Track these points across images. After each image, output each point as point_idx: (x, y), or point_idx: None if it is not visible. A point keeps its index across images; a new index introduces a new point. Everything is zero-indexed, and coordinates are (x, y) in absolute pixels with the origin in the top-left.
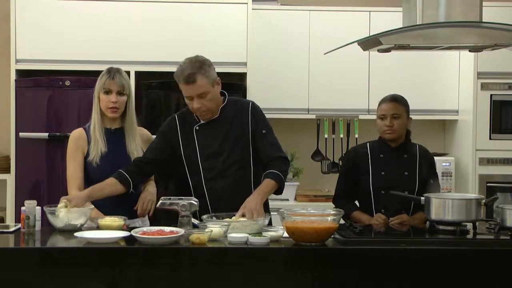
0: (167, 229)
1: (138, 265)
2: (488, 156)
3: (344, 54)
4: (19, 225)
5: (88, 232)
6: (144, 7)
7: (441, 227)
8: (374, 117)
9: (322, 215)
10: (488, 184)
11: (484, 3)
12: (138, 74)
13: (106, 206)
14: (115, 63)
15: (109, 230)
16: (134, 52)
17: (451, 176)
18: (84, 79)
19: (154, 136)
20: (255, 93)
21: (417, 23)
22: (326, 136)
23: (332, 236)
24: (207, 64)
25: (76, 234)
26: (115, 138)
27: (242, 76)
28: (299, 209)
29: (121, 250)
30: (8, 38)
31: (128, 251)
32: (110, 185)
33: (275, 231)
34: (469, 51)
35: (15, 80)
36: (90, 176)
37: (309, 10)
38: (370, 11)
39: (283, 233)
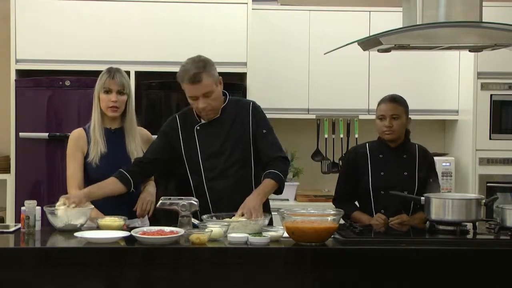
0: (167, 229)
1: (138, 265)
2: (488, 156)
3: (344, 54)
4: (19, 225)
5: (88, 232)
6: (144, 7)
7: (441, 227)
8: (374, 117)
9: (322, 215)
10: (488, 184)
11: (484, 3)
12: (138, 74)
13: (106, 206)
14: (115, 63)
15: (109, 230)
16: (134, 52)
17: (451, 176)
18: (84, 79)
19: (154, 136)
20: (255, 93)
21: (417, 23)
22: (326, 136)
23: (332, 236)
24: (211, 63)
25: (76, 234)
26: (115, 138)
27: (242, 76)
28: (299, 209)
29: (121, 250)
30: (8, 38)
31: (128, 251)
32: (110, 184)
33: (275, 231)
34: (469, 51)
35: (15, 80)
36: (90, 176)
37: (309, 10)
38: (370, 11)
39: (283, 233)
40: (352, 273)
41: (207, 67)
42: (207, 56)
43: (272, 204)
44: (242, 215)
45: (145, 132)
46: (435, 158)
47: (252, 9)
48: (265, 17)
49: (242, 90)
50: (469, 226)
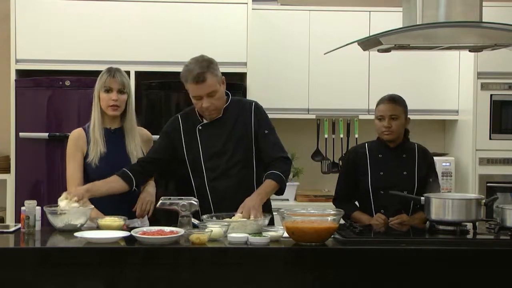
0: (167, 229)
1: (138, 265)
2: (488, 156)
3: (344, 54)
4: (19, 225)
5: (88, 232)
6: (144, 7)
7: (441, 227)
8: (374, 117)
9: (322, 215)
10: (488, 184)
11: (484, 3)
12: (138, 74)
13: (106, 206)
14: (115, 63)
15: (109, 230)
16: (134, 52)
17: (451, 176)
18: (84, 79)
19: (154, 136)
20: (255, 93)
21: (417, 23)
22: (326, 136)
23: (332, 236)
24: (214, 63)
25: (76, 234)
26: (115, 138)
27: (242, 76)
28: (299, 209)
29: (121, 250)
30: (8, 38)
31: (128, 251)
32: (112, 182)
33: (275, 231)
34: (469, 51)
35: (15, 80)
36: (90, 176)
37: (309, 10)
38: (370, 11)
39: (283, 233)
40: (352, 273)
41: (211, 67)
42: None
43: (272, 204)
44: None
45: (145, 132)
46: (435, 158)
47: (252, 9)
48: (265, 17)
49: (242, 90)
50: (469, 226)
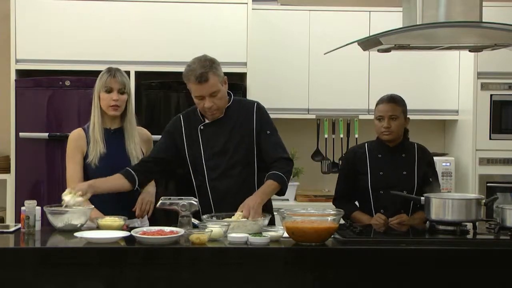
0: (167, 229)
1: (138, 265)
2: (488, 156)
3: (344, 54)
4: (19, 225)
5: (88, 232)
6: (144, 7)
7: (441, 227)
8: (373, 117)
9: (322, 215)
10: (488, 184)
11: (484, 3)
12: (138, 74)
13: (106, 206)
14: (115, 63)
15: (109, 230)
16: (134, 52)
17: (451, 176)
18: (84, 79)
19: (154, 136)
20: (255, 93)
21: (417, 23)
22: (326, 136)
23: (332, 236)
24: (216, 63)
25: (76, 234)
26: (115, 138)
27: (242, 76)
28: (299, 209)
29: (121, 250)
30: (8, 38)
31: (128, 251)
32: (116, 180)
33: (275, 231)
34: (469, 51)
35: (15, 80)
36: (90, 177)
37: (309, 10)
38: (370, 11)
39: (283, 233)
40: (352, 273)
41: (213, 67)
42: None
43: (273, 204)
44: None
45: (145, 132)
46: (435, 158)
47: (252, 9)
48: (265, 17)
49: (242, 90)
50: (469, 226)
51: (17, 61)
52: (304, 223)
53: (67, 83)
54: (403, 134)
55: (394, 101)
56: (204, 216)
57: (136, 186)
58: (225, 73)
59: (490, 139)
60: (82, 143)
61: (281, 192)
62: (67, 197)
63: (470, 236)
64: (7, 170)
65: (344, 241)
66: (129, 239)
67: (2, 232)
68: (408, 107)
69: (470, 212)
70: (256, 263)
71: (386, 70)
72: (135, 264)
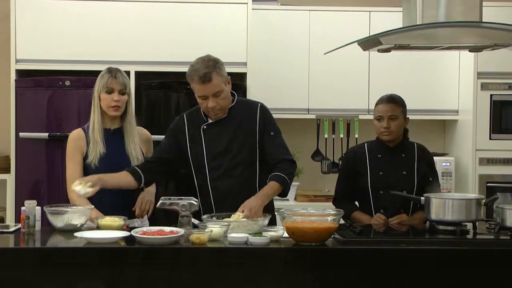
0: (167, 229)
1: (138, 265)
2: (488, 156)
3: (344, 54)
4: (19, 225)
5: (88, 232)
6: (144, 7)
7: (441, 227)
8: (373, 117)
9: (322, 215)
10: (488, 184)
11: (484, 3)
12: (138, 74)
13: (106, 206)
14: (115, 63)
15: (109, 230)
16: (134, 52)
17: (451, 176)
18: (84, 79)
19: (154, 136)
20: (255, 93)
21: (417, 23)
22: (326, 136)
23: (332, 236)
24: (220, 63)
25: (76, 234)
26: (114, 138)
27: (242, 76)
28: (299, 209)
29: (121, 250)
30: (8, 38)
31: (128, 251)
32: (122, 176)
33: (275, 231)
34: (469, 51)
35: (15, 80)
36: None
37: (309, 10)
38: (370, 11)
39: (283, 233)
40: (352, 273)
41: (216, 67)
42: None
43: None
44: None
45: (145, 132)
46: (435, 158)
47: (252, 9)
48: (265, 17)
49: (242, 90)
50: (469, 226)
51: (17, 61)
52: (304, 223)
53: (67, 83)
54: (403, 134)
55: (394, 101)
56: (204, 216)
57: (142, 184)
58: None
59: (490, 139)
60: (82, 143)
61: (284, 193)
62: (78, 187)
63: (470, 236)
64: (7, 170)
65: (344, 241)
66: (129, 239)
67: (2, 232)
68: (408, 107)
69: (470, 212)
70: (256, 263)
71: (386, 70)
72: (135, 264)
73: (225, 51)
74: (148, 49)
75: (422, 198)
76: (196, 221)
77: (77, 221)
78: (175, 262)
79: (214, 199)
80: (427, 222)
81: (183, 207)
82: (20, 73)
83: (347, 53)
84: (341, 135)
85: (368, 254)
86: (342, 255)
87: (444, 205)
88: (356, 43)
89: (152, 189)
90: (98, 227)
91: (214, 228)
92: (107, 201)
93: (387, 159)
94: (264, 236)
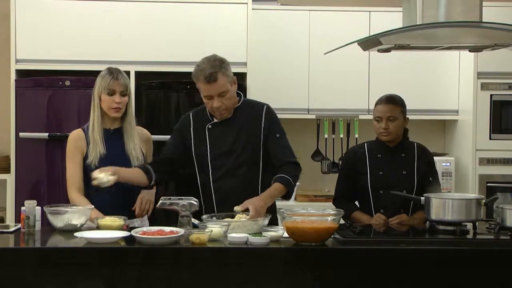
0: (167, 229)
1: (138, 265)
2: (488, 156)
3: (344, 54)
4: (19, 225)
5: (88, 232)
6: (144, 7)
7: (441, 227)
8: (372, 117)
9: (322, 215)
10: (488, 184)
11: (484, 3)
12: (138, 74)
13: (106, 206)
14: (115, 63)
15: (109, 230)
16: (134, 52)
17: (451, 176)
18: (84, 79)
19: (154, 136)
20: (255, 93)
21: (417, 23)
22: (326, 136)
23: (332, 236)
24: (226, 63)
25: (76, 234)
26: (114, 138)
27: (242, 76)
28: (299, 209)
29: (121, 250)
30: (8, 38)
31: (128, 251)
32: (135, 171)
33: (275, 231)
34: (469, 51)
35: (15, 80)
36: (89, 178)
37: (309, 10)
38: (370, 11)
39: (283, 233)
40: (352, 273)
41: (222, 67)
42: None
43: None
44: (245, 211)
45: (145, 132)
46: (435, 158)
47: (252, 9)
48: (265, 17)
49: (242, 90)
50: (469, 226)
51: (17, 61)
52: (304, 223)
53: (67, 83)
54: (403, 133)
55: (393, 102)
56: (204, 216)
57: (152, 182)
58: None
59: (490, 139)
60: (81, 144)
61: (287, 195)
62: (100, 174)
63: (470, 236)
64: (7, 170)
65: (344, 241)
66: (129, 239)
67: (2, 232)
68: (408, 107)
69: (470, 212)
70: (256, 263)
71: (386, 70)
72: (135, 264)
73: (225, 51)
74: (148, 49)
75: (422, 198)
76: (196, 221)
77: (77, 221)
78: (175, 262)
79: (216, 198)
80: (427, 222)
81: (183, 207)
82: (20, 73)
83: (347, 53)
84: (341, 135)
85: (368, 254)
86: (342, 255)
87: (444, 205)
88: (356, 43)
89: (152, 189)
90: (98, 227)
91: (214, 228)
92: (107, 201)
93: (387, 159)
94: (264, 236)
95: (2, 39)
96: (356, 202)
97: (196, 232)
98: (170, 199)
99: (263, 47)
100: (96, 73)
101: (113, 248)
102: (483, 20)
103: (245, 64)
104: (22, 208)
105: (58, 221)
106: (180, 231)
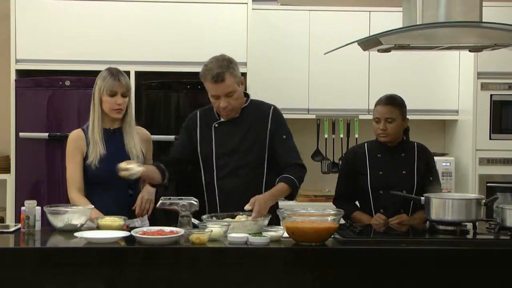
0: (167, 229)
1: (138, 265)
2: (488, 156)
3: (344, 54)
4: (19, 225)
5: (88, 232)
6: (144, 7)
7: (441, 227)
8: (372, 117)
9: (322, 215)
10: (488, 184)
11: (484, 3)
12: (138, 74)
13: (106, 206)
14: (115, 63)
15: (109, 230)
16: (134, 52)
17: (451, 176)
18: (84, 79)
19: (153, 136)
20: (255, 93)
21: (417, 23)
22: (326, 136)
23: (332, 236)
24: (234, 63)
25: (76, 234)
26: (114, 138)
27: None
28: (299, 209)
29: (121, 250)
30: (8, 38)
31: (128, 251)
32: (151, 167)
33: (275, 231)
34: (469, 51)
35: (15, 80)
36: (90, 177)
37: (309, 10)
38: (370, 11)
39: (283, 233)
40: (352, 273)
41: (230, 67)
42: (206, 56)
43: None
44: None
45: (145, 131)
46: (435, 158)
47: (252, 9)
48: (265, 17)
49: None
50: (469, 226)
51: (17, 61)
52: (304, 223)
53: (67, 83)
54: (404, 133)
55: (391, 103)
56: (204, 216)
57: (166, 181)
58: None
59: (490, 139)
60: (81, 144)
61: (291, 196)
62: (130, 165)
63: (470, 236)
64: (7, 170)
65: (344, 241)
66: (129, 239)
67: (2, 232)
68: (408, 107)
69: (470, 212)
70: (256, 263)
71: (386, 70)
72: (135, 264)
73: (225, 51)
74: (148, 49)
75: (422, 198)
76: (196, 221)
77: (77, 221)
78: (175, 262)
79: (220, 197)
80: (427, 222)
81: (183, 207)
82: (20, 73)
83: (347, 53)
84: (341, 135)
85: (368, 254)
86: (342, 255)
87: (444, 205)
88: (356, 43)
89: (151, 188)
90: (98, 227)
91: (214, 228)
92: (107, 201)
93: (387, 159)
94: (264, 236)
95: (2, 39)
96: (357, 202)
97: (196, 232)
98: (170, 199)
99: (263, 47)
100: (96, 73)
101: (113, 248)
102: (483, 20)
103: (245, 64)
104: (22, 208)
105: (58, 221)
106: (180, 231)
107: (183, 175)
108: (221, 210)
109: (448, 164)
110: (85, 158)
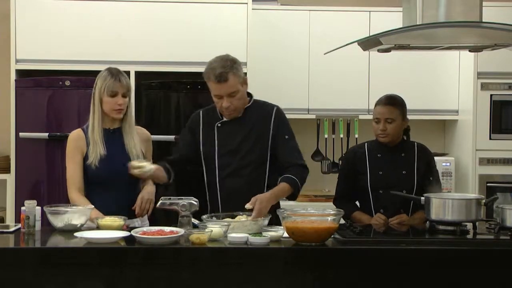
0: (167, 229)
1: (138, 265)
2: (488, 156)
3: (344, 54)
4: (19, 225)
5: (88, 232)
6: (144, 7)
7: (441, 227)
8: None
9: (322, 215)
10: (488, 184)
11: (484, 3)
12: (138, 74)
13: (106, 206)
14: (115, 63)
15: (109, 230)
16: (134, 52)
17: (451, 176)
18: (84, 79)
19: (154, 136)
20: (255, 93)
21: (417, 23)
22: (326, 136)
23: (332, 236)
24: (238, 63)
25: (76, 234)
26: (114, 138)
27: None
28: (299, 209)
29: (121, 250)
30: (8, 38)
31: (128, 251)
32: (158, 167)
33: (275, 231)
34: (469, 51)
35: (15, 80)
36: (90, 177)
37: (309, 10)
38: (370, 11)
39: (283, 233)
40: (352, 273)
41: (234, 67)
42: (207, 57)
43: None
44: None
45: (144, 131)
46: (435, 158)
47: (252, 9)
48: (265, 17)
49: None
50: (469, 226)
51: (17, 61)
52: (304, 223)
53: (67, 83)
54: (404, 133)
55: (391, 104)
56: (204, 216)
57: (171, 180)
58: None
59: (490, 139)
60: (81, 144)
61: (293, 196)
62: (142, 163)
63: (470, 236)
64: (7, 170)
65: (344, 241)
66: (129, 239)
67: (2, 232)
68: (408, 107)
69: (470, 212)
70: (256, 263)
71: (386, 70)
72: (135, 264)
73: (225, 51)
74: (148, 49)
75: (422, 198)
76: (196, 221)
77: (77, 221)
78: (175, 262)
79: (221, 197)
80: (427, 222)
81: (183, 207)
82: (20, 73)
83: (347, 53)
84: (341, 135)
85: (368, 254)
86: (342, 255)
87: (444, 205)
88: (356, 43)
89: (151, 188)
90: (98, 227)
91: (214, 228)
92: (107, 201)
93: (387, 159)
94: (264, 236)
95: (2, 39)
96: (357, 202)
97: (196, 232)
98: (170, 199)
99: (263, 47)
100: (96, 73)
101: (113, 248)
102: (483, 20)
103: (245, 64)
104: (22, 208)
105: (58, 221)
106: (180, 231)
107: (185, 175)
108: (223, 210)
109: (448, 164)
110: (85, 158)
